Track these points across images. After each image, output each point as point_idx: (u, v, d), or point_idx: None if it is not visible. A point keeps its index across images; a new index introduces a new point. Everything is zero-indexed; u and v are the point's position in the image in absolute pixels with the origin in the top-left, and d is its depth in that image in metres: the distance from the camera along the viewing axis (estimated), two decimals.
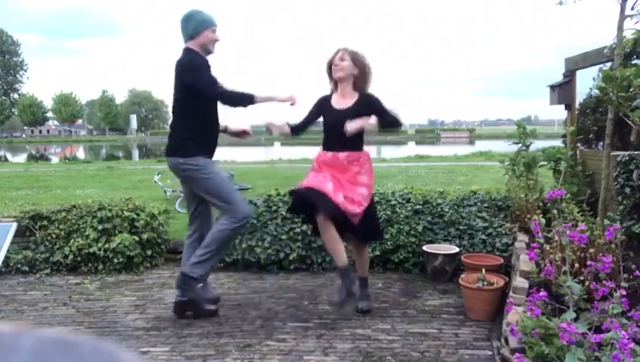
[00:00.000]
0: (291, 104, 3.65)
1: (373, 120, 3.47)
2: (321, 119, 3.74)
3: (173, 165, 3.60)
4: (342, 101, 3.60)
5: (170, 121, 3.76)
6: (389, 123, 3.60)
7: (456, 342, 3.24)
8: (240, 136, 3.94)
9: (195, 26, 3.46)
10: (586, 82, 6.33)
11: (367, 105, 3.54)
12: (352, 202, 3.40)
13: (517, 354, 2.16)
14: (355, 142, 3.54)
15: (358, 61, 3.55)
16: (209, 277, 3.76)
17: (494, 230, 4.62)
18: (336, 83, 3.65)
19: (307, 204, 3.46)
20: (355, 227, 3.47)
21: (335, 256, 3.54)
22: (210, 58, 3.58)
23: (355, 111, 3.49)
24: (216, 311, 3.64)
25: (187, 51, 3.51)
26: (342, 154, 3.51)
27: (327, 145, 3.62)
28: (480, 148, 23.36)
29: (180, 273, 3.62)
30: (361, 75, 3.57)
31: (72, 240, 4.84)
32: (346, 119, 3.47)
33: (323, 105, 3.70)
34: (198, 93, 3.44)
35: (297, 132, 3.80)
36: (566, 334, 1.93)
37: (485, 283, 3.59)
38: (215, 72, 3.59)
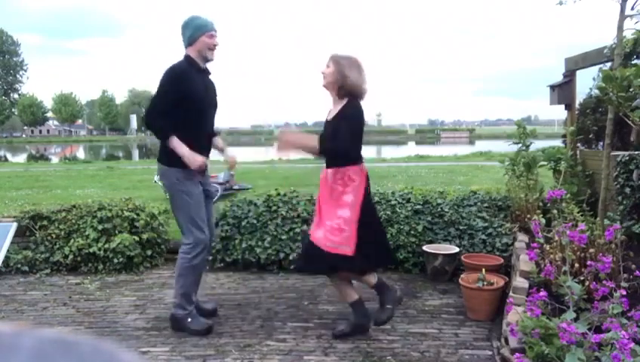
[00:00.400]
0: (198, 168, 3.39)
1: (313, 141, 3.24)
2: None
3: (158, 170, 3.60)
4: (332, 111, 3.36)
5: None
6: (326, 152, 3.25)
7: (456, 342, 3.24)
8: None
9: (192, 32, 3.38)
10: (586, 82, 6.34)
11: (339, 118, 3.25)
12: (332, 231, 3.18)
13: (517, 354, 2.16)
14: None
15: (339, 66, 3.23)
16: (208, 278, 3.73)
17: (494, 230, 4.62)
18: None
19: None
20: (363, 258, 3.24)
21: (344, 298, 3.44)
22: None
23: (333, 124, 3.27)
24: (211, 328, 3.47)
25: (184, 58, 3.43)
26: (329, 171, 3.27)
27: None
28: (480, 148, 23.38)
29: (170, 315, 3.56)
30: (336, 80, 3.23)
31: (72, 240, 4.84)
32: (329, 131, 3.29)
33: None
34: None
35: None
36: (566, 334, 1.93)
37: (485, 283, 3.59)
38: (215, 73, 3.57)
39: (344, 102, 3.28)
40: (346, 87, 3.23)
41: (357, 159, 3.28)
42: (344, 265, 3.23)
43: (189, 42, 3.41)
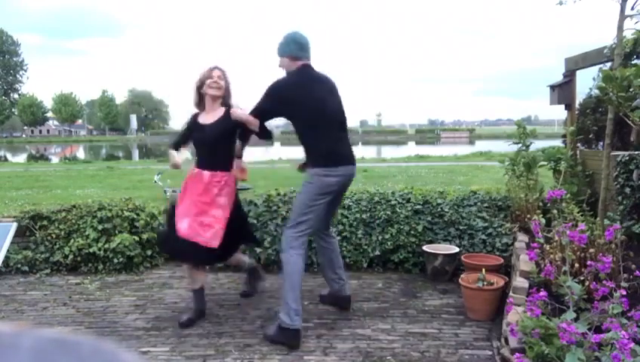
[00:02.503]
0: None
1: (255, 121, 3.47)
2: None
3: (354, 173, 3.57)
4: (208, 117, 3.63)
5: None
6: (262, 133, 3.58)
7: (456, 342, 3.24)
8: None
9: (296, 51, 3.45)
10: (586, 82, 6.34)
11: (231, 118, 3.55)
12: (203, 227, 3.47)
13: (517, 354, 2.16)
14: (223, 163, 3.58)
15: (227, 79, 3.69)
16: (208, 278, 3.72)
17: (494, 230, 4.62)
18: (202, 99, 3.65)
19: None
20: (221, 250, 3.55)
21: (192, 285, 3.79)
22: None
23: (223, 125, 3.55)
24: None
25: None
26: (206, 174, 3.53)
27: (198, 163, 3.64)
28: (480, 148, 23.39)
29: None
30: (227, 92, 3.68)
31: (72, 240, 4.84)
32: (213, 133, 3.54)
33: (192, 123, 3.71)
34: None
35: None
36: (566, 334, 1.93)
37: (485, 283, 3.59)
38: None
39: (223, 109, 3.61)
40: (226, 97, 3.67)
41: (229, 167, 3.64)
42: (207, 258, 3.63)
43: (293, 56, 3.43)
